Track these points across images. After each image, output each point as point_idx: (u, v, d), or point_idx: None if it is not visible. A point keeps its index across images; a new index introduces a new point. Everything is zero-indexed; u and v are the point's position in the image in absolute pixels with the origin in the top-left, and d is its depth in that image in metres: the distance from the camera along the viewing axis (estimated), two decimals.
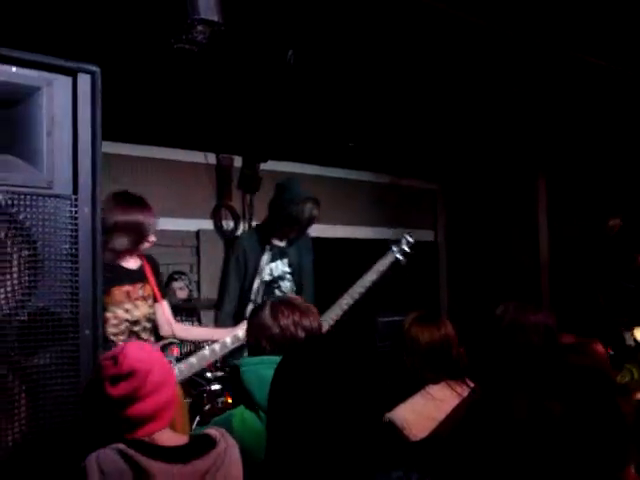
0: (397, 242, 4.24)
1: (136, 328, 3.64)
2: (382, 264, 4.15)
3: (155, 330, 3.82)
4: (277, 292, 4.31)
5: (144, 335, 3.68)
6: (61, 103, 2.28)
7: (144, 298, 3.69)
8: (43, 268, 2.20)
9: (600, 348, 2.78)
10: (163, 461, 1.82)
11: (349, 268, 6.56)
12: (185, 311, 5.58)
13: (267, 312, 2.45)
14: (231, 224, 6.27)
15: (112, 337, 3.54)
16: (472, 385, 2.59)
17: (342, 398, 1.41)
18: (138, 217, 3.57)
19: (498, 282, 7.33)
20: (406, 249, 4.22)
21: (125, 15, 2.74)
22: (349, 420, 1.40)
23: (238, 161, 6.40)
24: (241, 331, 3.41)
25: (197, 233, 6.23)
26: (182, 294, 5.83)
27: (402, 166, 7.59)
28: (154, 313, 3.77)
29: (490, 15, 4.19)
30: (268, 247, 4.28)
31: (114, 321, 3.56)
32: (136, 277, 3.69)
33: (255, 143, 6.14)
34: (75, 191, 2.29)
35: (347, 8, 4.00)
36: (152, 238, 3.71)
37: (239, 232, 6.13)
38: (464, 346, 2.88)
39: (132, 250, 3.66)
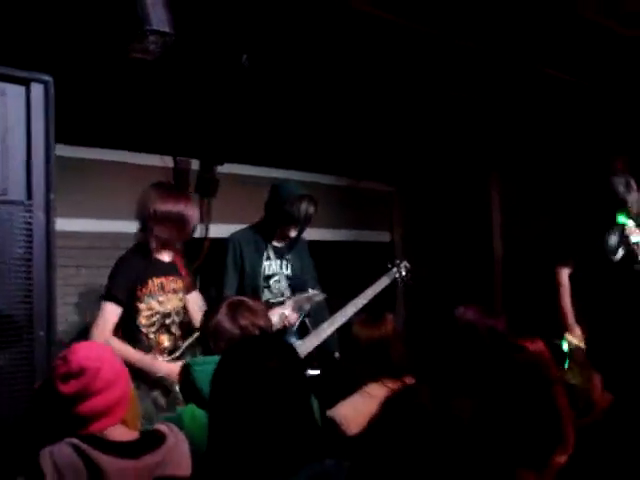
0: (395, 266, 4.51)
1: (167, 321, 3.65)
2: (380, 285, 4.39)
3: (183, 325, 3.80)
4: (267, 292, 4.30)
5: (173, 329, 3.69)
6: (14, 111, 2.36)
7: (175, 291, 3.70)
8: None
9: (541, 346, 2.88)
10: (115, 456, 1.90)
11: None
12: None
13: (224, 314, 2.54)
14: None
15: (143, 329, 3.57)
16: (409, 383, 2.69)
17: (276, 392, 1.51)
18: (181, 208, 3.62)
19: (453, 281, 7.49)
20: (403, 273, 4.60)
21: (81, 26, 2.81)
22: (283, 412, 1.50)
23: (195, 164, 6.45)
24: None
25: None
26: None
27: (360, 169, 7.71)
28: (184, 307, 3.78)
29: (443, 25, 4.33)
30: (265, 246, 4.29)
31: (147, 312, 3.57)
32: (169, 270, 3.71)
33: (212, 146, 6.20)
34: (29, 197, 2.37)
35: (300, 14, 4.11)
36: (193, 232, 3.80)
37: (196, 234, 6.18)
38: (408, 345, 2.99)
39: (176, 241, 3.71)
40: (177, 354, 3.66)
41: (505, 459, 1.56)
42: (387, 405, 1.43)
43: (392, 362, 2.74)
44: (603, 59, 4.70)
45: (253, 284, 4.21)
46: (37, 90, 2.37)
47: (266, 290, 4.29)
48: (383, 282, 4.47)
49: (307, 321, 4.28)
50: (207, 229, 6.39)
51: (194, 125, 5.66)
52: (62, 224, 5.12)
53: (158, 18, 2.59)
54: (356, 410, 2.50)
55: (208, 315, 2.66)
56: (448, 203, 7.86)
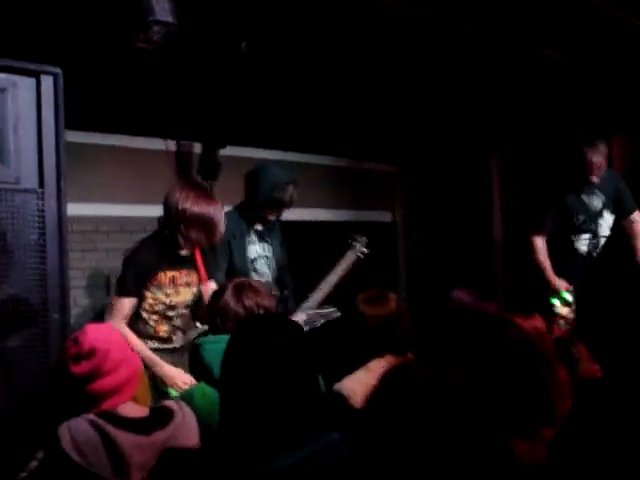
0: (356, 241, 4.57)
1: (171, 313, 3.67)
2: (347, 261, 4.44)
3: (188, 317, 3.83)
4: (254, 274, 4.35)
5: (176, 321, 3.72)
6: (26, 103, 2.44)
7: (188, 284, 3.71)
8: (13, 258, 2.37)
9: (538, 322, 2.96)
10: (128, 431, 2.00)
11: (312, 249, 6.80)
12: None
13: (230, 294, 2.63)
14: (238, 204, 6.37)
15: (144, 314, 3.60)
16: (410, 359, 2.79)
17: (285, 369, 1.61)
18: (212, 212, 3.59)
19: (454, 261, 7.58)
20: (364, 249, 4.60)
21: (86, 18, 2.89)
22: (291, 388, 1.60)
23: (198, 148, 6.52)
24: None
25: (159, 219, 6.36)
26: None
27: (361, 150, 7.77)
28: (197, 300, 3.79)
29: (442, 11, 4.39)
30: (248, 230, 4.34)
31: (151, 301, 3.59)
32: (184, 263, 3.70)
33: (214, 129, 6.27)
34: (41, 185, 2.46)
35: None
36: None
37: None
38: (413, 323, 3.09)
39: (204, 243, 3.70)
40: (169, 346, 3.72)
41: (495, 428, 1.65)
42: (383, 380, 1.53)
43: (397, 339, 2.83)
44: (596, 39, 4.77)
45: (241, 268, 4.26)
46: (47, 82, 2.45)
47: (253, 273, 4.35)
48: (349, 258, 4.54)
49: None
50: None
51: (196, 109, 5.73)
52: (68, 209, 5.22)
53: (161, 8, 2.67)
54: (362, 384, 2.58)
55: (215, 296, 2.75)
56: (449, 183, 7.93)
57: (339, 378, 2.76)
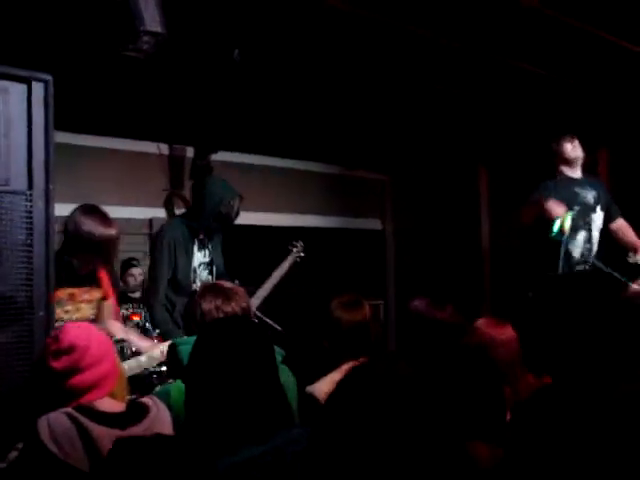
0: (294, 246, 4.91)
1: None
2: (284, 267, 4.79)
3: None
4: (198, 281, 4.48)
5: None
6: (17, 108, 2.53)
7: (89, 301, 3.71)
8: (0, 257, 2.46)
9: (509, 332, 3.04)
10: (104, 425, 2.09)
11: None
12: (135, 301, 5.82)
13: (196, 298, 2.74)
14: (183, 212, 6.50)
15: None
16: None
17: (246, 369, 1.70)
18: (110, 233, 3.58)
19: (442, 268, 7.68)
20: (301, 254, 4.97)
21: (78, 27, 2.99)
22: (252, 388, 1.69)
23: (190, 152, 6.63)
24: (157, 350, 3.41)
25: (150, 221, 6.47)
26: (139, 280, 6.07)
27: (352, 157, 7.88)
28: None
29: (429, 25, 4.50)
30: (193, 240, 4.46)
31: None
32: (85, 280, 3.70)
33: (206, 134, 6.37)
34: (30, 187, 2.55)
35: (292, 9, 4.27)
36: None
37: None
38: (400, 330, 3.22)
39: (100, 265, 3.73)
40: None
41: (452, 430, 1.74)
42: (345, 377, 1.62)
43: (370, 342, 2.95)
44: (579, 56, 4.91)
45: (185, 277, 4.41)
46: (38, 88, 2.54)
47: (197, 280, 4.49)
48: (287, 263, 4.80)
49: None
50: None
51: (189, 114, 5.83)
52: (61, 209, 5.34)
53: (151, 18, 2.76)
54: (334, 386, 2.68)
55: (188, 300, 2.87)
56: (438, 193, 8.04)
57: (314, 380, 2.86)
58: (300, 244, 5.01)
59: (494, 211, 7.70)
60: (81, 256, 3.58)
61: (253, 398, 1.71)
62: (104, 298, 3.80)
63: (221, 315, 2.64)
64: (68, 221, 3.56)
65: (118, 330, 3.78)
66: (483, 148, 7.26)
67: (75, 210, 3.59)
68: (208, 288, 2.80)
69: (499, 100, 5.95)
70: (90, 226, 3.49)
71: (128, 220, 6.12)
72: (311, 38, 4.71)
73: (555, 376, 1.78)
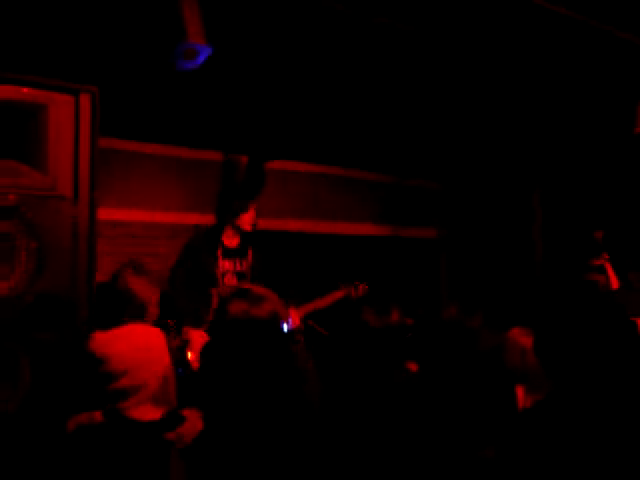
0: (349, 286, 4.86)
1: None
2: (331, 298, 4.75)
3: None
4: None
5: None
6: (65, 117, 2.68)
7: None
8: (47, 258, 2.60)
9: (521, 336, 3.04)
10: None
11: (356, 262, 6.95)
12: None
13: (225, 302, 2.82)
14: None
15: None
16: None
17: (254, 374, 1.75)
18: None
19: (495, 279, 7.66)
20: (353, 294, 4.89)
21: (126, 41, 3.14)
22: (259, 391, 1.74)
23: (244, 159, 6.75)
24: None
25: (195, 227, 6.61)
26: None
27: (406, 167, 7.91)
28: None
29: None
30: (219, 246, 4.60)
31: None
32: None
33: (261, 143, 6.49)
34: (75, 193, 2.70)
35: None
36: None
37: None
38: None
39: None
40: None
41: (462, 437, 1.79)
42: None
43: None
44: None
45: (204, 283, 4.52)
46: (85, 99, 2.69)
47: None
48: (332, 298, 4.73)
49: None
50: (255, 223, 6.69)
51: (244, 122, 5.96)
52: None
53: (195, 32, 2.88)
54: None
55: (219, 303, 2.98)
56: (494, 204, 8.02)
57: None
58: (361, 288, 4.94)
59: (547, 225, 7.67)
60: None
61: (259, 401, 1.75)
62: None
63: (247, 318, 2.69)
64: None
65: None
66: (539, 162, 7.23)
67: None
68: (236, 292, 2.87)
69: (564, 122, 5.96)
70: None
71: (187, 226, 6.28)
72: (371, 50, 4.79)
73: (557, 383, 1.80)
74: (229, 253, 4.65)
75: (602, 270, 5.07)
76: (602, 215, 5.93)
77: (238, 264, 4.66)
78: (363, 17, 4.36)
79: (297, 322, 4.53)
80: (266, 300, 2.74)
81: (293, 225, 7.09)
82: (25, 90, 2.56)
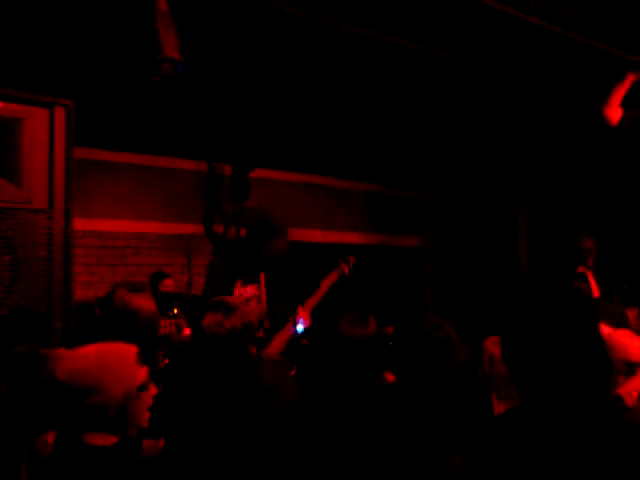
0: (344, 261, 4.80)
1: None
2: (334, 276, 4.70)
3: None
4: None
5: None
6: (40, 131, 2.69)
7: None
8: (21, 270, 2.61)
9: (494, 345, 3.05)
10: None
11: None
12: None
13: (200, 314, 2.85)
14: (221, 229, 6.67)
15: None
16: None
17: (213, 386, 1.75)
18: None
19: (479, 287, 7.70)
20: (348, 269, 4.82)
21: (101, 53, 3.17)
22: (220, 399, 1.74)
23: (227, 169, 6.79)
24: None
25: (188, 237, 6.65)
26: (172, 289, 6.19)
27: (394, 177, 7.96)
28: None
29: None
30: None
31: None
32: None
33: (244, 152, 6.53)
34: (50, 206, 2.70)
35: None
36: None
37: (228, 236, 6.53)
38: None
39: None
40: None
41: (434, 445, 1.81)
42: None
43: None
44: None
45: None
46: (60, 113, 2.70)
47: None
48: (334, 275, 4.77)
49: None
50: (238, 232, 6.71)
51: (227, 132, 6.00)
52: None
53: (169, 45, 2.90)
54: None
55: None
56: (478, 214, 8.09)
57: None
58: (351, 261, 5.02)
59: (531, 235, 7.74)
60: None
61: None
62: None
63: (220, 330, 2.71)
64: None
65: None
66: (524, 171, 7.29)
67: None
68: (211, 304, 2.90)
69: (541, 128, 6.00)
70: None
71: (167, 236, 6.30)
72: (361, 63, 4.82)
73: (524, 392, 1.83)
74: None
75: (584, 278, 5.10)
76: (588, 223, 5.99)
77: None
78: (348, 27, 4.40)
79: (308, 320, 4.49)
80: (239, 311, 2.77)
81: None
82: (0, 104, 2.57)
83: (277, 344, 4.07)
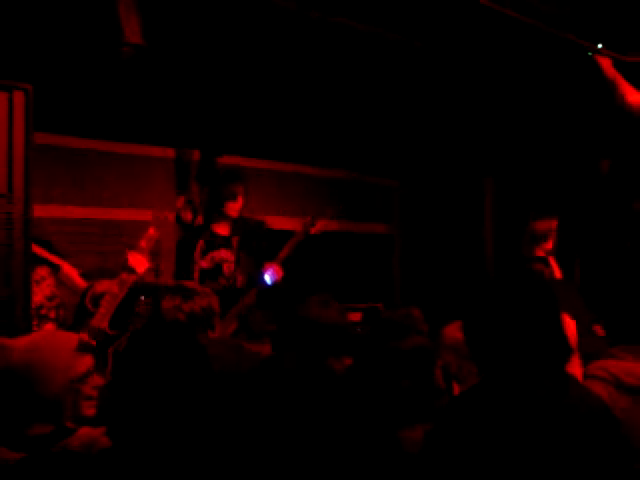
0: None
1: (43, 312, 3.79)
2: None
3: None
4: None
5: (53, 314, 3.86)
6: None
7: (36, 282, 3.73)
8: None
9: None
10: None
11: (311, 257, 7.01)
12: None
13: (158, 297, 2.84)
14: (189, 215, 6.64)
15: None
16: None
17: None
18: None
19: (447, 274, 7.77)
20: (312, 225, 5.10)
21: (62, 36, 3.13)
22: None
23: (196, 155, 6.75)
24: None
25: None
26: None
27: (362, 163, 7.98)
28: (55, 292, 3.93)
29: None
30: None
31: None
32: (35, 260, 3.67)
33: (212, 138, 6.50)
34: (10, 190, 2.69)
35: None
36: None
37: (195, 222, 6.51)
38: None
39: None
40: None
41: (384, 417, 1.84)
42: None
43: None
44: None
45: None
46: (19, 97, 2.69)
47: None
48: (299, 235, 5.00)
49: None
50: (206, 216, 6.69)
51: (194, 117, 5.97)
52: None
53: (131, 30, 2.89)
54: None
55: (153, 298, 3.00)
56: (446, 200, 8.15)
57: None
58: (317, 220, 5.13)
59: (497, 220, 7.81)
60: None
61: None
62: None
63: (179, 314, 2.71)
64: None
65: None
66: (490, 157, 7.35)
67: None
68: (169, 288, 2.90)
69: (507, 111, 6.06)
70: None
71: (135, 222, 6.25)
72: (323, 44, 4.83)
73: (487, 371, 1.87)
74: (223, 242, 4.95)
75: (544, 261, 5.11)
76: (553, 207, 6.02)
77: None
78: (318, 13, 4.41)
79: (280, 272, 4.81)
80: (200, 294, 2.77)
81: None
82: None
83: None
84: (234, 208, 4.99)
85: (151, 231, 3.82)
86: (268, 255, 5.03)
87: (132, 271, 3.54)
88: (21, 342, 2.07)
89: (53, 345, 2.07)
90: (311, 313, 3.12)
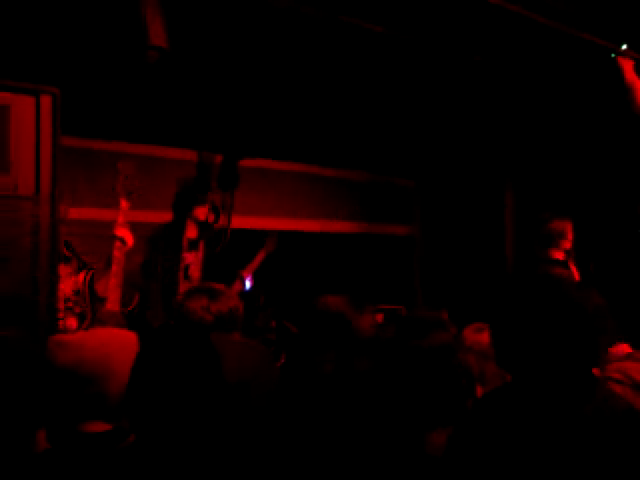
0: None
1: (69, 305, 3.89)
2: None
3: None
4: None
5: (77, 308, 3.93)
6: (27, 118, 2.71)
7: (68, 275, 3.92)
8: (7, 257, 2.63)
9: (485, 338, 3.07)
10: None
11: (329, 260, 7.04)
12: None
13: (184, 297, 2.85)
14: (211, 217, 6.65)
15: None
16: None
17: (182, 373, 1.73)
18: None
19: (467, 276, 7.74)
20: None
21: (88, 40, 3.17)
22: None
23: (218, 158, 6.78)
24: None
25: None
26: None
27: (381, 164, 7.97)
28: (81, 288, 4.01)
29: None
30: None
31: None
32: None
33: (234, 141, 6.52)
34: (37, 192, 2.73)
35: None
36: None
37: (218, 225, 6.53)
38: None
39: None
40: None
41: (411, 422, 1.84)
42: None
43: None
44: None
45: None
46: (46, 100, 2.72)
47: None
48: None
49: None
50: (229, 221, 6.71)
51: (217, 121, 6.00)
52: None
53: (156, 34, 2.91)
54: None
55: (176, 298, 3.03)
56: (466, 201, 8.11)
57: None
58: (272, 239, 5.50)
59: (518, 222, 7.78)
60: None
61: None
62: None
63: (207, 314, 2.71)
64: None
65: None
66: (510, 158, 7.32)
67: None
68: (196, 288, 2.92)
69: (527, 110, 6.04)
70: None
71: (157, 224, 6.28)
72: (343, 44, 4.84)
73: (515, 374, 1.86)
74: (192, 245, 5.01)
75: (563, 264, 5.02)
76: (569, 209, 5.96)
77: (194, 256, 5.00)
78: (332, 16, 4.42)
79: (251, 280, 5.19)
80: (227, 295, 2.78)
81: (267, 223, 7.15)
82: None
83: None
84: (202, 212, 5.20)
85: (123, 203, 4.03)
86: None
87: (124, 243, 3.86)
88: (84, 338, 2.06)
89: (122, 344, 2.06)
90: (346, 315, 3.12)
